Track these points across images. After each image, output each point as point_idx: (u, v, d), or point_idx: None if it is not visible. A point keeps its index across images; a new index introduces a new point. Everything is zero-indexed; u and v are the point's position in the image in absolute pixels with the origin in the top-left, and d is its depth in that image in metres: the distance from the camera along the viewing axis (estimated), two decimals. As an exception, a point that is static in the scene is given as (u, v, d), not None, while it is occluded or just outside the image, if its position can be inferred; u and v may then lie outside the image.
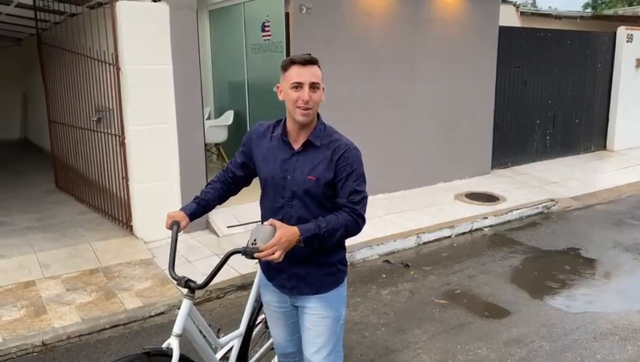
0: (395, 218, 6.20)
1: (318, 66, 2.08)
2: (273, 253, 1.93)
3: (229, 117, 7.61)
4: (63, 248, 5.11)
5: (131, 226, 5.43)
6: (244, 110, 7.45)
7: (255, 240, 1.95)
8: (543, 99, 9.15)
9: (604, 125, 10.33)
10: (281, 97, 2.14)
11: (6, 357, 3.54)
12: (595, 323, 3.97)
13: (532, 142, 9.16)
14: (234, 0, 7.20)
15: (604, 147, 10.40)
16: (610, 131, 10.33)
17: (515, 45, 8.49)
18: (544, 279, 4.83)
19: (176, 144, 5.33)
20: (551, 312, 4.17)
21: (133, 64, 5.02)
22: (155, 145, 5.23)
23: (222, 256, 2.14)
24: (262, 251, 1.93)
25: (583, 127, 9.95)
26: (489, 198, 7.07)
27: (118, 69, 5.07)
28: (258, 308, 2.73)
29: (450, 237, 6.00)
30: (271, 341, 2.89)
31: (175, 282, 2.19)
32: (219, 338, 2.55)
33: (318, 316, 2.23)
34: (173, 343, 2.12)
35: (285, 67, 2.08)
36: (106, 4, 5.24)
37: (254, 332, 2.79)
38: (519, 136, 8.90)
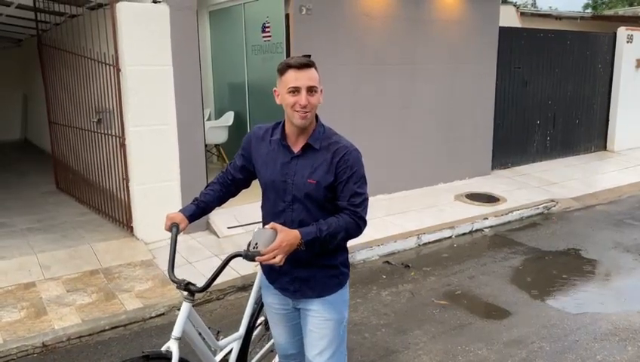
0: (396, 219, 6.20)
1: (315, 69, 2.08)
2: (274, 257, 1.92)
3: (229, 118, 7.62)
4: (63, 249, 5.11)
5: (132, 227, 5.43)
6: (244, 111, 7.45)
7: (256, 244, 1.94)
8: (544, 99, 9.15)
9: (605, 125, 10.33)
10: (278, 101, 2.13)
11: (6, 359, 3.54)
12: (595, 324, 3.97)
13: (532, 143, 9.16)
14: (234, 1, 7.20)
15: (604, 147, 10.40)
16: (611, 131, 10.33)
17: (515, 46, 8.49)
18: (544, 280, 4.83)
19: (176, 145, 5.34)
20: (551, 313, 4.17)
21: (133, 65, 5.02)
22: (155, 146, 5.23)
23: (223, 258, 2.13)
24: (263, 255, 1.92)
25: (584, 128, 9.95)
26: (489, 199, 7.07)
27: (119, 70, 5.07)
28: (258, 309, 2.73)
29: (450, 237, 6.00)
30: (271, 343, 2.89)
31: (175, 285, 2.19)
32: (218, 340, 2.55)
33: (320, 319, 2.22)
34: (172, 346, 2.12)
35: (282, 71, 2.08)
36: (106, 5, 5.24)
37: (254, 334, 2.78)
38: (519, 136, 8.90)
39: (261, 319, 2.84)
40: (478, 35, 7.66)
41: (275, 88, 2.15)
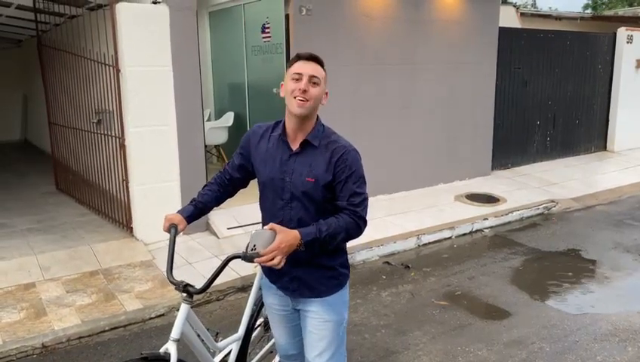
0: (396, 219, 6.19)
1: (323, 66, 2.12)
2: (273, 258, 1.92)
3: (229, 118, 7.62)
4: (63, 250, 5.11)
5: (131, 228, 5.43)
6: (244, 111, 7.45)
7: (255, 245, 1.94)
8: (543, 99, 9.15)
9: (605, 126, 10.33)
10: (282, 93, 2.14)
11: (6, 359, 3.54)
12: (595, 325, 3.97)
13: (532, 143, 9.16)
14: (234, 2, 7.20)
15: (604, 148, 10.39)
16: (611, 132, 10.33)
17: (515, 46, 8.49)
18: (544, 280, 4.83)
19: (176, 146, 5.33)
20: (551, 313, 4.16)
21: (133, 66, 5.02)
22: (155, 147, 5.23)
23: (222, 260, 2.13)
24: (262, 256, 1.92)
25: (583, 128, 9.94)
26: (489, 199, 7.06)
27: (118, 70, 5.07)
28: (257, 310, 2.73)
29: (450, 238, 6.00)
30: (270, 344, 2.89)
31: (173, 286, 2.18)
32: (217, 341, 2.54)
33: (320, 320, 2.21)
34: (170, 348, 2.11)
35: (291, 62, 2.14)
36: (105, 6, 5.24)
37: (253, 335, 2.78)
38: (519, 136, 8.90)
39: (260, 320, 2.83)
40: (478, 36, 7.66)
41: (282, 83, 2.16)
